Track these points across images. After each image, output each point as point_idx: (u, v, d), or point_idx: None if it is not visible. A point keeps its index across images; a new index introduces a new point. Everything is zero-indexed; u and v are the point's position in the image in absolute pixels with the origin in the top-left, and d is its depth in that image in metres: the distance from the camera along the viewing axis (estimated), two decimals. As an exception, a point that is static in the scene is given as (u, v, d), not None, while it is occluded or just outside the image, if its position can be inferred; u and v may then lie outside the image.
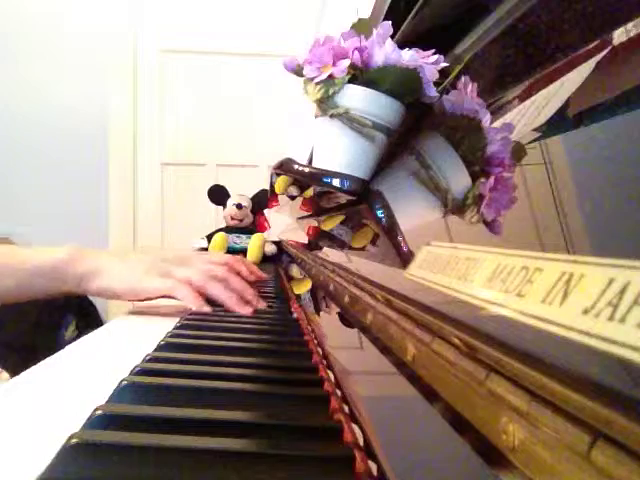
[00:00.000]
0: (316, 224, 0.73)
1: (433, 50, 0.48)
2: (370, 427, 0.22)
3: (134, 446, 0.20)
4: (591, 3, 0.39)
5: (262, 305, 0.57)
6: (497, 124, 0.45)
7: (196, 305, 0.53)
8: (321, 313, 0.55)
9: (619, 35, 0.34)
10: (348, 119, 0.48)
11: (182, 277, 0.56)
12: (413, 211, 0.46)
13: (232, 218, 1.33)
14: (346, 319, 0.39)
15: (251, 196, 1.38)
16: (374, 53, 0.48)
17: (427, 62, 0.47)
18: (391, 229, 0.41)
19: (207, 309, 0.53)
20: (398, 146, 0.51)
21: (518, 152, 0.37)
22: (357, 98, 0.48)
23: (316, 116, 0.51)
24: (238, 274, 0.63)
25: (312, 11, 2.10)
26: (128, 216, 2.18)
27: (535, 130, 0.38)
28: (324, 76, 0.47)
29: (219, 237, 1.27)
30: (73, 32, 2.14)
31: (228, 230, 1.32)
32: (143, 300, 0.58)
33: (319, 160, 0.52)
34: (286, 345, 0.39)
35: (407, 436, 0.22)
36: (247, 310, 0.55)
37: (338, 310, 0.43)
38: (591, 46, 0.37)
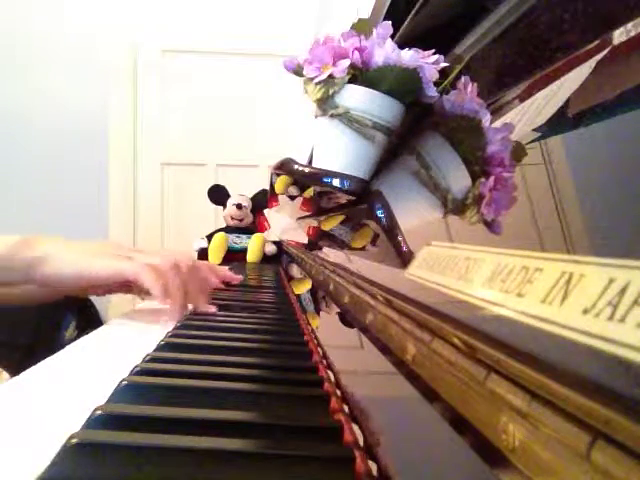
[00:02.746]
0: (316, 224, 0.73)
1: (433, 50, 0.48)
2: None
3: (134, 446, 0.20)
4: (591, 3, 0.39)
5: (212, 310, 0.53)
6: (497, 124, 0.45)
7: (158, 290, 0.49)
8: (321, 313, 0.55)
9: (619, 35, 0.34)
10: (348, 119, 0.48)
11: (143, 261, 0.52)
12: (413, 211, 0.46)
13: (232, 218, 1.33)
14: (346, 319, 0.39)
15: (251, 196, 1.38)
16: (374, 53, 0.48)
17: (427, 62, 0.47)
18: (391, 229, 0.41)
19: (167, 299, 0.50)
20: (398, 146, 0.51)
21: (518, 152, 0.37)
22: (357, 98, 0.48)
23: (316, 116, 0.51)
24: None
25: (312, 11, 2.10)
26: (128, 216, 2.18)
27: (535, 130, 0.38)
28: (324, 76, 0.47)
29: (219, 237, 1.27)
30: (73, 32, 2.14)
31: (228, 230, 1.32)
32: (99, 289, 0.54)
33: (319, 160, 0.52)
34: (286, 345, 0.39)
35: (407, 436, 0.22)
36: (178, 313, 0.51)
37: (338, 310, 0.43)
38: (591, 46, 0.37)
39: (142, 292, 0.55)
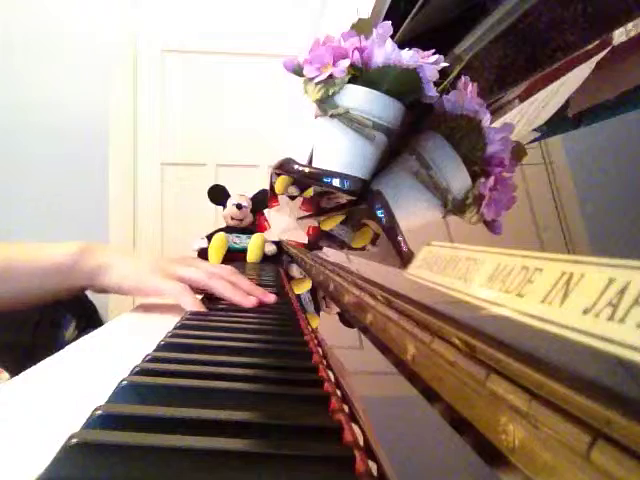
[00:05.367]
0: (316, 224, 0.73)
1: (433, 50, 0.48)
2: (369, 428, 0.22)
3: (134, 446, 0.20)
4: (591, 3, 0.39)
5: (272, 299, 0.57)
6: (497, 124, 0.45)
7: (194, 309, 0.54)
8: (321, 313, 0.55)
9: (619, 35, 0.34)
10: (348, 119, 0.48)
11: (185, 275, 0.57)
12: (413, 211, 0.46)
13: (232, 218, 1.33)
14: (346, 319, 0.39)
15: (251, 196, 1.38)
16: (374, 53, 0.48)
17: (427, 62, 0.47)
18: (391, 229, 0.41)
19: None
20: (398, 146, 0.51)
21: (518, 152, 0.37)
22: (357, 98, 0.48)
23: (316, 116, 0.51)
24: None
25: (312, 11, 2.10)
26: (128, 216, 2.18)
27: (535, 130, 0.38)
28: (324, 76, 0.47)
29: (219, 237, 1.27)
30: (74, 32, 2.14)
31: (228, 230, 1.32)
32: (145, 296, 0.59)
33: (319, 160, 0.52)
34: (286, 345, 0.39)
35: (407, 436, 0.22)
36: (252, 302, 0.55)
37: (338, 310, 0.43)
38: (591, 46, 0.37)
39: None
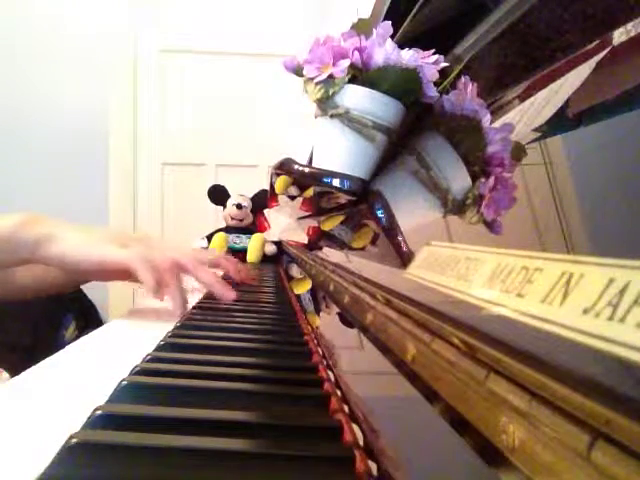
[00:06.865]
0: (316, 224, 0.73)
1: (433, 50, 0.48)
2: (369, 428, 0.22)
3: (134, 446, 0.20)
4: (591, 3, 0.39)
5: (232, 296, 0.55)
6: (497, 124, 0.45)
7: (150, 285, 0.49)
8: (321, 313, 0.55)
9: (619, 35, 0.34)
10: (348, 119, 0.48)
11: (143, 254, 0.52)
12: (413, 211, 0.46)
13: (232, 218, 1.33)
14: (346, 319, 0.39)
15: (251, 196, 1.38)
16: (374, 53, 0.48)
17: (427, 62, 0.47)
18: (391, 229, 0.41)
19: (159, 297, 0.50)
20: (398, 146, 0.51)
21: (518, 152, 0.37)
22: (357, 98, 0.48)
23: (316, 116, 0.51)
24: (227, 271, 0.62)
25: (312, 11, 2.10)
26: (128, 216, 2.18)
27: (535, 130, 0.38)
28: (324, 76, 0.47)
29: (219, 237, 1.27)
30: (73, 32, 2.14)
31: (228, 230, 1.32)
32: (102, 275, 0.55)
33: (319, 160, 0.52)
34: (286, 345, 0.39)
35: (407, 436, 0.22)
36: (178, 308, 0.51)
37: (338, 310, 0.43)
38: (591, 46, 0.37)
39: (138, 282, 0.54)
